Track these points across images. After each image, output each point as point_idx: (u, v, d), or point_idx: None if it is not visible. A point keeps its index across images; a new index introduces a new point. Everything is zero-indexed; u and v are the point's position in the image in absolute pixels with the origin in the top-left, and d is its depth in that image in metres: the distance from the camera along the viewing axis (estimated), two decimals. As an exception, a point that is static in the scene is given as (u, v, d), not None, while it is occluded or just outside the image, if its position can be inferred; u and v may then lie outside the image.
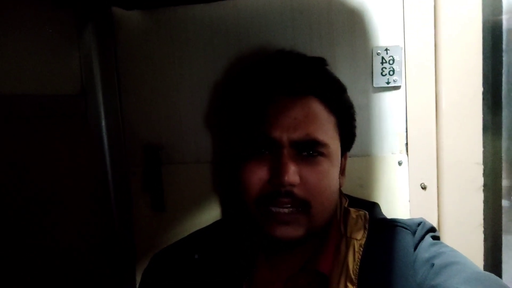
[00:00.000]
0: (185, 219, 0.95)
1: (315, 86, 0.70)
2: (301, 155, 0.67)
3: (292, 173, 0.65)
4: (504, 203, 0.84)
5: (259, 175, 0.67)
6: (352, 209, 0.74)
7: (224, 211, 0.94)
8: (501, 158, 0.83)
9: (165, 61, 0.92)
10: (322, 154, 0.68)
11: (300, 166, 0.66)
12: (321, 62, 0.76)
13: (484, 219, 0.85)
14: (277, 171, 0.65)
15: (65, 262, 0.86)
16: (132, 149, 0.96)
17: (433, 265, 0.64)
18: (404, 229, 0.70)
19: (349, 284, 0.66)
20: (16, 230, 0.78)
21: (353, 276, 0.66)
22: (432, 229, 0.72)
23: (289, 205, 0.66)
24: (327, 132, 0.69)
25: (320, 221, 0.69)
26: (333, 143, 0.70)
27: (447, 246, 0.68)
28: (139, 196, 0.96)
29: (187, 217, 0.95)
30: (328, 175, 0.69)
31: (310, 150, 0.67)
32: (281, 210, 0.66)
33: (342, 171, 0.77)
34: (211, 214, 0.94)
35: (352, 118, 0.78)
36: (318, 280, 0.70)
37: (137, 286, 0.89)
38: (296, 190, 0.65)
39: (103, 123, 0.93)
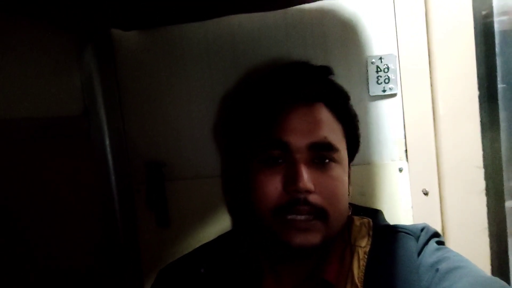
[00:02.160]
0: (189, 234, 0.96)
1: (323, 93, 0.72)
2: (314, 162, 0.68)
3: (307, 179, 0.65)
4: (508, 203, 0.84)
5: (274, 184, 0.67)
6: (355, 217, 0.75)
7: (230, 225, 0.94)
8: (501, 160, 0.83)
9: (163, 79, 0.94)
10: (334, 161, 0.69)
11: (314, 174, 0.67)
12: (327, 71, 0.77)
13: (488, 222, 0.84)
14: (292, 178, 0.65)
15: (71, 281, 0.87)
16: (135, 166, 0.97)
17: (437, 270, 0.63)
18: (407, 235, 0.70)
19: None
20: (21, 252, 0.79)
21: (358, 284, 0.66)
22: (435, 234, 0.72)
23: (306, 213, 0.66)
24: (337, 138, 0.70)
25: (335, 228, 0.69)
26: (343, 150, 0.72)
27: (451, 250, 0.68)
28: (143, 213, 0.97)
29: (191, 232, 0.96)
30: (343, 182, 0.70)
31: (323, 156, 0.68)
32: (298, 217, 0.66)
33: (349, 180, 0.78)
34: (216, 228, 0.94)
35: (357, 128, 0.79)
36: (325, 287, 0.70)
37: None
38: (312, 198, 0.65)
39: (107, 142, 0.94)
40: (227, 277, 0.73)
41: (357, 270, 0.68)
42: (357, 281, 0.67)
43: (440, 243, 0.71)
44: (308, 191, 0.65)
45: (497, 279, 0.62)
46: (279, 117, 0.70)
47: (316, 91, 0.71)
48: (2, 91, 0.80)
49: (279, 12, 0.88)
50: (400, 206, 0.87)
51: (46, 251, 0.84)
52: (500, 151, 0.83)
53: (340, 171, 0.69)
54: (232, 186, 0.94)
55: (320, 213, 0.66)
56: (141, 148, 0.96)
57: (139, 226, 0.97)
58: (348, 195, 0.75)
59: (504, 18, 0.78)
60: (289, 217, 0.66)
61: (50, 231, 0.85)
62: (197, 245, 0.84)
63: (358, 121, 0.79)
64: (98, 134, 0.93)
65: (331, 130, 0.70)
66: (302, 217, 0.66)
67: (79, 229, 0.89)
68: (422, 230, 0.71)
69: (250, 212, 0.71)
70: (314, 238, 0.66)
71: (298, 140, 0.67)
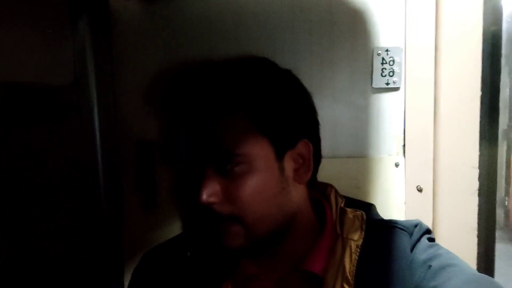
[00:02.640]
0: (176, 218, 0.93)
1: (219, 107, 0.68)
2: (224, 171, 0.66)
3: (209, 191, 0.65)
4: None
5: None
6: (349, 209, 0.73)
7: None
8: (496, 163, 0.84)
9: (162, 56, 0.90)
10: (243, 164, 0.66)
11: (225, 183, 0.66)
12: (245, 69, 0.74)
13: (478, 223, 0.85)
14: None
15: (51, 258, 0.84)
16: (125, 144, 0.93)
17: (430, 266, 0.64)
18: (401, 230, 0.70)
19: (345, 285, 0.66)
20: (1, 224, 0.76)
21: (349, 277, 0.66)
22: (428, 231, 0.72)
23: (221, 220, 0.67)
24: (241, 140, 0.67)
25: (259, 230, 0.67)
26: (254, 150, 0.67)
27: (442, 248, 0.69)
28: (130, 193, 0.94)
29: (178, 216, 0.94)
30: (255, 185, 0.66)
31: (228, 164, 0.66)
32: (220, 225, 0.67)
33: (307, 164, 0.71)
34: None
35: (280, 118, 0.70)
36: (312, 281, 0.69)
37: (127, 284, 0.87)
38: (218, 208, 0.66)
39: (96, 117, 0.90)
40: (213, 262, 0.73)
41: (349, 263, 0.67)
42: (348, 274, 0.66)
43: (431, 240, 0.71)
44: (211, 203, 0.66)
45: (488, 277, 0.63)
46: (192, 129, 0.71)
47: (215, 105, 0.68)
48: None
49: (287, -6, 0.86)
50: (394, 201, 0.87)
51: (25, 225, 0.81)
52: (497, 154, 0.84)
53: (251, 173, 0.66)
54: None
55: (233, 219, 0.66)
56: (132, 126, 0.93)
57: (125, 207, 0.94)
58: (301, 183, 0.71)
59: (512, 21, 0.79)
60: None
61: (28, 206, 0.82)
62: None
63: (283, 107, 0.70)
64: (88, 108, 0.89)
65: (232, 137, 0.66)
66: (221, 224, 0.67)
67: (59, 204, 0.86)
68: (415, 226, 0.71)
69: None
70: (235, 240, 0.67)
71: (201, 154, 0.68)
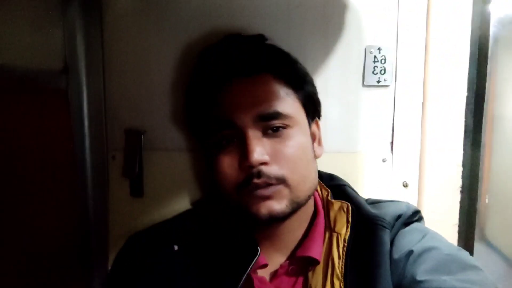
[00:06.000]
0: (162, 207, 0.93)
1: (263, 63, 0.71)
2: (267, 133, 0.68)
3: (259, 152, 0.65)
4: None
5: (231, 164, 0.68)
6: (334, 201, 0.74)
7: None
8: (479, 161, 0.87)
9: (153, 43, 0.89)
10: (287, 127, 0.68)
11: (270, 144, 0.67)
12: (262, 39, 0.78)
13: (459, 219, 0.88)
14: (244, 155, 0.65)
15: (34, 244, 0.82)
16: (114, 131, 0.92)
17: (407, 259, 0.65)
18: (383, 228, 0.70)
19: (335, 280, 0.67)
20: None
21: (339, 273, 0.67)
22: (413, 215, 0.74)
23: (265, 184, 0.65)
24: (287, 104, 0.70)
25: (301, 192, 0.68)
26: (298, 113, 0.71)
27: (419, 230, 0.71)
28: (116, 181, 0.93)
29: (164, 204, 0.93)
30: (301, 145, 0.69)
31: (275, 125, 0.67)
32: (259, 191, 0.65)
33: (318, 141, 0.78)
34: (190, 202, 0.92)
35: (310, 84, 0.77)
36: (306, 269, 0.70)
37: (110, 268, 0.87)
38: (266, 169, 0.65)
39: (85, 103, 0.88)
40: (214, 255, 0.72)
41: (338, 259, 0.68)
42: (337, 270, 0.68)
43: (416, 220, 0.75)
44: (262, 163, 0.65)
45: (458, 256, 0.65)
46: (219, 96, 0.70)
47: (256, 63, 0.71)
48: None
49: (283, -11, 0.87)
50: (380, 196, 0.88)
51: (7, 209, 0.79)
52: (479, 153, 0.87)
53: (297, 135, 0.69)
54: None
55: (280, 181, 0.66)
56: (121, 113, 0.92)
57: (111, 194, 0.93)
58: (317, 157, 0.75)
59: (499, 25, 0.82)
60: (251, 190, 0.66)
61: (13, 190, 0.80)
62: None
63: (310, 78, 0.78)
64: (76, 93, 0.87)
65: (278, 98, 0.69)
66: (263, 188, 0.65)
67: (45, 190, 0.84)
68: (397, 218, 0.72)
69: (218, 190, 0.71)
70: (279, 204, 0.66)
71: (243, 116, 0.67)
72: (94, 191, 0.91)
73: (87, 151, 0.90)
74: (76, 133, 0.88)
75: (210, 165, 0.72)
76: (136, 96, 0.91)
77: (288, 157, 0.66)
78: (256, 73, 0.70)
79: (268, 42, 0.78)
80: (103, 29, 0.90)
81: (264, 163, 0.65)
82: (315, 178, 0.73)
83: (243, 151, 0.66)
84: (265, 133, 0.67)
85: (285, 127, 0.68)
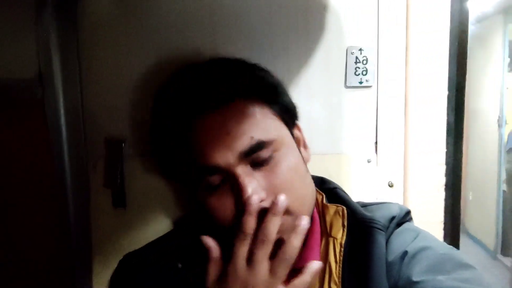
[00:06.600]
0: (145, 216, 0.91)
1: (235, 86, 0.66)
2: (256, 166, 0.63)
3: (254, 190, 0.60)
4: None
5: (226, 206, 0.63)
6: (330, 205, 0.73)
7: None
8: (461, 159, 0.88)
9: (131, 50, 0.87)
10: (274, 152, 0.64)
11: (261, 177, 0.63)
12: (223, 61, 0.74)
13: (444, 216, 0.89)
14: (239, 195, 0.61)
15: (14, 258, 0.80)
16: (93, 141, 0.89)
17: (402, 260, 0.65)
18: (379, 230, 0.69)
19: (333, 285, 0.67)
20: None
21: (336, 278, 0.67)
22: (404, 216, 0.74)
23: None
24: (267, 126, 0.65)
25: (304, 212, 0.65)
26: (280, 132, 0.67)
27: (411, 230, 0.71)
28: (97, 191, 0.90)
29: (148, 214, 0.91)
30: (291, 168, 0.65)
31: (262, 158, 0.63)
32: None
33: (304, 144, 0.75)
34: (176, 213, 0.90)
35: (284, 95, 0.72)
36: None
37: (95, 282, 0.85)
38: (266, 204, 0.61)
39: (62, 111, 0.86)
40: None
41: (335, 264, 0.68)
42: (335, 275, 0.67)
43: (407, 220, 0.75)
44: (262, 199, 0.61)
45: (450, 255, 0.65)
46: (190, 134, 0.64)
47: (223, 90, 0.64)
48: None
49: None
50: (366, 196, 0.89)
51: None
52: (461, 151, 0.88)
53: (286, 157, 0.65)
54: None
55: None
56: (100, 122, 0.89)
57: (92, 205, 0.90)
58: (306, 162, 0.72)
59: (478, 24, 0.83)
60: None
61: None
62: (154, 228, 0.80)
63: (282, 87, 0.73)
64: (53, 102, 0.85)
65: (257, 124, 0.64)
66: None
67: (24, 203, 0.82)
68: (391, 220, 0.71)
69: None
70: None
71: (226, 156, 0.61)
72: (75, 202, 0.88)
73: (66, 161, 0.87)
74: (54, 144, 0.85)
75: (197, 201, 0.68)
76: (115, 103, 0.88)
77: (283, 185, 0.63)
78: (226, 102, 0.64)
79: (228, 56, 0.74)
80: (78, 35, 0.87)
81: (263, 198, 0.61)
82: (313, 190, 0.70)
83: (237, 191, 0.61)
84: (254, 166, 0.63)
85: (272, 155, 0.63)
